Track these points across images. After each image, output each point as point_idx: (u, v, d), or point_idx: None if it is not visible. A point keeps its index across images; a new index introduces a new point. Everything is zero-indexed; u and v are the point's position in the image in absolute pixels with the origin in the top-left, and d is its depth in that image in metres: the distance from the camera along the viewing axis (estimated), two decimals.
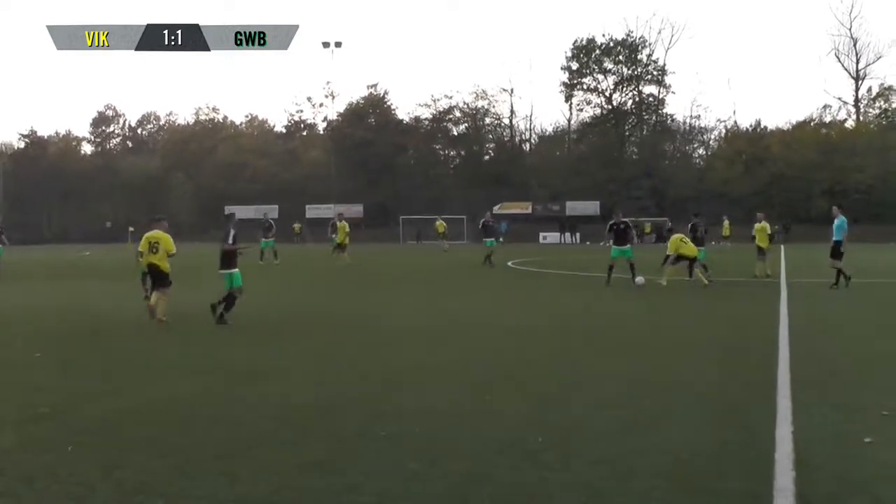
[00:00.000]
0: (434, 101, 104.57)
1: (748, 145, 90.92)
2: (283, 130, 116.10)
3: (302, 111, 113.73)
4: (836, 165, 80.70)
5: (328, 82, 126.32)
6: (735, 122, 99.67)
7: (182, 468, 6.81)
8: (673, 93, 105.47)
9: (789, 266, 33.17)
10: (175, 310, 17.23)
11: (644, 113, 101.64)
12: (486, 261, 36.30)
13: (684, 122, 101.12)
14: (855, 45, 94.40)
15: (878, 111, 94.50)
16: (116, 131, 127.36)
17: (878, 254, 44.29)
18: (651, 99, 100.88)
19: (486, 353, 13.09)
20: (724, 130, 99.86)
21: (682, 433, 7.83)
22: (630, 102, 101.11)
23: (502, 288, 26.80)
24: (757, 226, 28.55)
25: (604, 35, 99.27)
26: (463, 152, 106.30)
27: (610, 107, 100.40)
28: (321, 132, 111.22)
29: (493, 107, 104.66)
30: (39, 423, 8.46)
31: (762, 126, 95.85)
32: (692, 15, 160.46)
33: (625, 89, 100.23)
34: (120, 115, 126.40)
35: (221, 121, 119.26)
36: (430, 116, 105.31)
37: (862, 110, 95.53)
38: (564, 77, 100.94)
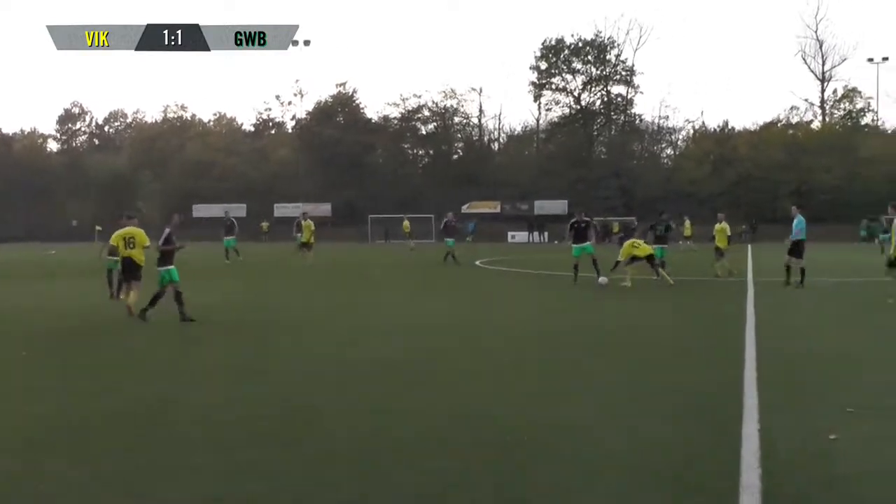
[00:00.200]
0: (403, 100, 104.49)
1: (716, 146, 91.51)
2: (252, 129, 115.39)
3: (270, 109, 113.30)
4: (803, 166, 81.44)
5: (297, 81, 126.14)
6: (703, 122, 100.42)
7: (159, 465, 6.79)
8: (641, 93, 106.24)
9: (756, 265, 33.34)
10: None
11: (612, 113, 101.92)
12: (448, 257, 36.61)
13: (652, 123, 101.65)
14: (821, 47, 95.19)
15: (843, 112, 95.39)
16: (83, 129, 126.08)
17: (843, 253, 44.60)
18: (619, 99, 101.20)
19: (455, 352, 13.12)
20: (691, 131, 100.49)
21: (649, 431, 7.90)
22: (598, 102, 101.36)
23: (471, 287, 26.78)
24: (717, 226, 28.69)
25: (573, 35, 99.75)
26: (432, 151, 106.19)
27: (578, 107, 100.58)
28: (290, 131, 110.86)
29: (462, 106, 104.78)
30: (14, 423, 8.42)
31: (730, 127, 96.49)
32: (660, 16, 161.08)
33: (593, 89, 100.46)
34: (86, 113, 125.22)
35: (189, 119, 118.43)
36: (399, 115, 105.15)
37: (828, 111, 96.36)
38: (533, 77, 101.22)
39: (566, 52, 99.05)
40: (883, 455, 7.10)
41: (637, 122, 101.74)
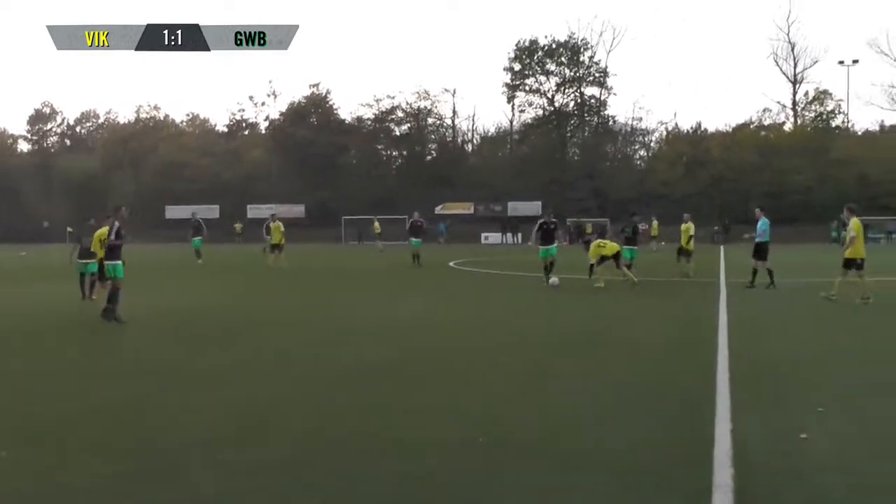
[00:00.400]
0: (376, 101, 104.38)
1: (689, 147, 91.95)
2: (225, 129, 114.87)
3: (244, 110, 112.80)
4: (775, 167, 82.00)
5: (270, 81, 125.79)
6: (676, 124, 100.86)
7: (125, 472, 6.74)
8: (614, 94, 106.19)
9: (728, 266, 33.46)
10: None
11: (586, 114, 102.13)
12: (415, 260, 36.67)
13: (626, 124, 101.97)
14: (792, 49, 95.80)
15: (814, 114, 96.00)
16: (54, 129, 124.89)
17: (814, 254, 44.85)
18: (593, 100, 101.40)
19: (427, 351, 13.16)
20: (664, 132, 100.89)
21: (623, 431, 7.96)
22: (572, 104, 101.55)
23: (444, 289, 26.78)
24: (682, 226, 28.78)
25: (546, 37, 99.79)
26: (405, 152, 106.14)
27: (552, 108, 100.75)
28: (263, 131, 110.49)
29: (436, 107, 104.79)
30: None
31: (702, 128, 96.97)
32: (633, 18, 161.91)
33: (567, 91, 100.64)
34: (58, 113, 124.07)
35: (162, 119, 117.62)
36: (373, 116, 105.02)
37: (799, 113, 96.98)
38: (507, 78, 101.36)
39: (540, 53, 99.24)
40: (852, 453, 7.18)
41: (610, 123, 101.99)
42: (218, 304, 20.94)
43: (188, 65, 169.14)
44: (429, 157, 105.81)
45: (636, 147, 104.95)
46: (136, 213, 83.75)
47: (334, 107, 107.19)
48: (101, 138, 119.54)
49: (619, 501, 6.12)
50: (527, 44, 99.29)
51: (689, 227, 28.60)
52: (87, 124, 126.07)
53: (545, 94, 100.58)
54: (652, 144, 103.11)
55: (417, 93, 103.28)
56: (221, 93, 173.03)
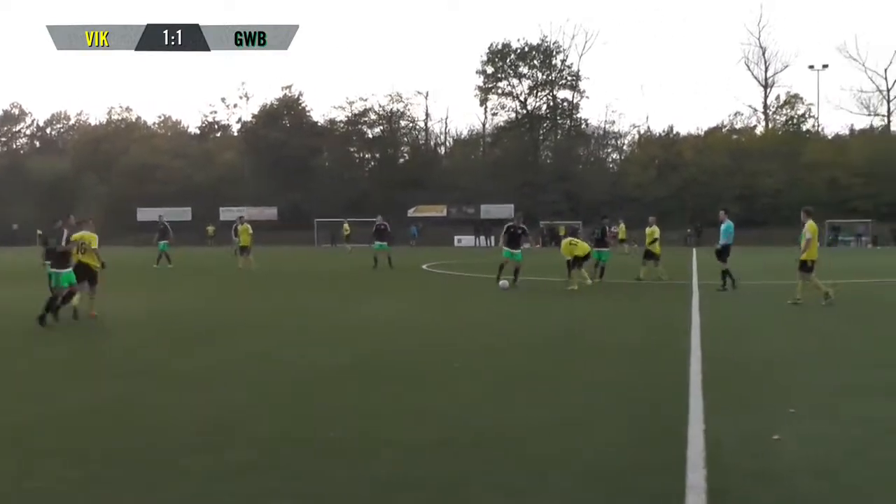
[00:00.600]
0: (349, 103, 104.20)
1: (661, 150, 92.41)
2: (197, 132, 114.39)
3: (216, 112, 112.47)
4: (746, 170, 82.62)
5: (242, 83, 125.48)
6: (648, 127, 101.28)
7: (93, 477, 6.68)
8: (587, 98, 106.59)
9: (700, 268, 33.59)
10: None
11: (558, 117, 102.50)
12: (384, 261, 36.90)
13: (598, 127, 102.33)
14: (764, 53, 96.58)
15: (785, 118, 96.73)
16: (24, 131, 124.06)
17: (785, 257, 45.03)
18: (565, 104, 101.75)
19: (403, 353, 13.10)
20: (637, 136, 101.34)
21: (597, 433, 7.97)
22: (544, 107, 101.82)
23: (417, 291, 26.77)
24: (647, 230, 28.88)
25: (519, 40, 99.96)
26: (378, 155, 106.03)
27: (525, 111, 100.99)
28: (235, 134, 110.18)
29: (409, 110, 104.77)
30: None
31: (674, 132, 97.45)
32: (605, 22, 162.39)
33: (539, 94, 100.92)
34: (27, 114, 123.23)
35: (134, 121, 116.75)
36: (345, 119, 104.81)
37: (770, 117, 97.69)
38: (479, 81, 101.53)
39: (512, 56, 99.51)
40: (823, 454, 7.20)
41: (583, 126, 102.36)
42: (190, 307, 20.87)
43: (160, 66, 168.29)
44: (402, 160, 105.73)
45: (609, 150, 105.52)
46: (108, 215, 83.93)
47: (307, 109, 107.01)
48: (71, 140, 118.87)
49: (592, 502, 6.11)
50: (499, 47, 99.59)
51: (653, 231, 28.68)
52: (58, 126, 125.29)
53: (518, 97, 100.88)
54: (624, 148, 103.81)
55: (390, 95, 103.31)
56: (193, 94, 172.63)
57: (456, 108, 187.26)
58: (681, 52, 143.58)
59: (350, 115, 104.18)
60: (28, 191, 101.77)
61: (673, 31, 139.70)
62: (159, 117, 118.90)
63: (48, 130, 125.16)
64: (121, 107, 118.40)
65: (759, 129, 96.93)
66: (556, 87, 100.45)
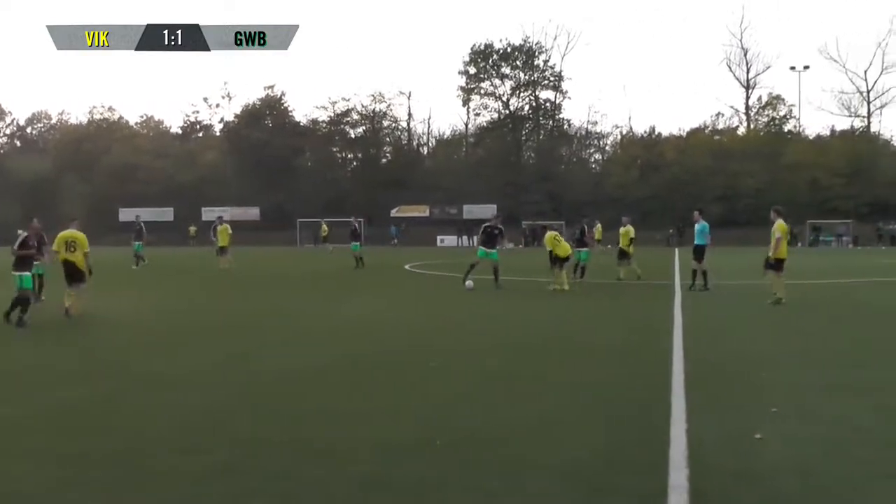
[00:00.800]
0: (332, 103, 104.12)
1: (643, 151, 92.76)
2: (179, 131, 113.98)
3: (198, 112, 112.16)
4: (728, 171, 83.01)
5: (225, 83, 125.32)
6: (630, 128, 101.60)
7: (70, 479, 6.61)
8: (569, 98, 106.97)
9: (683, 269, 33.67)
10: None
11: (541, 118, 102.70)
12: (359, 262, 37.39)
13: (581, 128, 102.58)
14: (745, 55, 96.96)
15: (766, 119, 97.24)
16: (4, 130, 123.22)
17: (760, 256, 45.20)
18: (548, 104, 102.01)
19: (381, 354, 13.05)
20: (619, 136, 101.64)
21: (579, 433, 7.94)
22: (527, 107, 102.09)
23: (399, 291, 26.72)
24: (622, 230, 28.91)
25: (501, 40, 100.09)
26: (360, 155, 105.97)
27: (507, 111, 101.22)
28: (217, 133, 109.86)
29: (391, 110, 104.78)
30: None
31: (657, 132, 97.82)
32: (588, 23, 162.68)
33: (522, 94, 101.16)
34: (7, 114, 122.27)
35: (116, 120, 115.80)
36: (328, 119, 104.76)
37: (752, 118, 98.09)
38: (462, 81, 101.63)
39: (495, 56, 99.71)
40: (805, 453, 7.19)
41: (565, 127, 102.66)
42: (170, 308, 20.76)
43: (143, 65, 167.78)
44: (384, 160, 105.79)
45: (591, 150, 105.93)
46: (90, 215, 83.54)
47: (289, 109, 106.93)
48: (53, 139, 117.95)
49: (572, 503, 6.10)
50: (482, 47, 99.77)
51: (628, 231, 28.73)
52: (39, 125, 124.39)
53: (500, 98, 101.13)
54: (607, 148, 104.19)
55: (373, 95, 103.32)
56: (175, 94, 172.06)
57: (438, 109, 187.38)
58: (663, 52, 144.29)
59: (332, 115, 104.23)
60: (8, 190, 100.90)
61: (655, 32, 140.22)
62: (141, 117, 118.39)
63: (29, 130, 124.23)
64: (103, 106, 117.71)
65: (741, 130, 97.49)
66: (539, 88, 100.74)
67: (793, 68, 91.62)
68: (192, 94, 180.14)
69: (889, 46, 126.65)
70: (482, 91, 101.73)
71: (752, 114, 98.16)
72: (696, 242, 24.59)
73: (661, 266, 34.76)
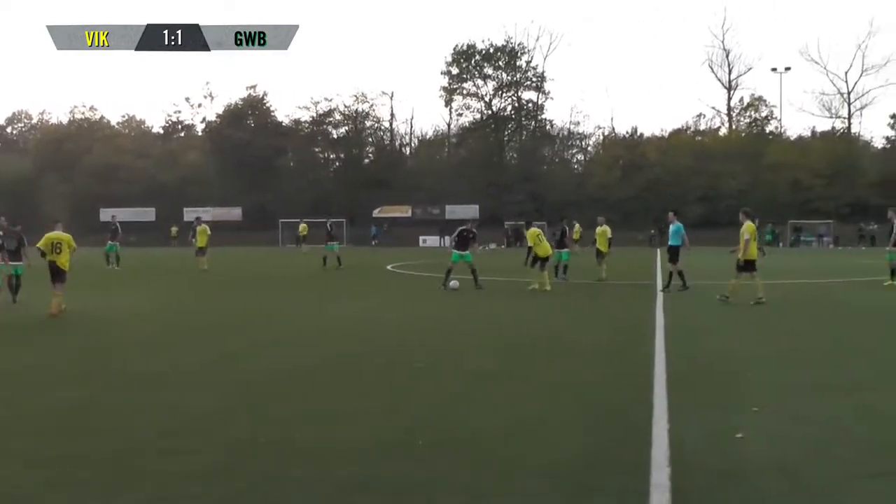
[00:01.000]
0: (314, 103, 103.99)
1: (625, 151, 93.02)
2: (161, 131, 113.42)
3: (180, 112, 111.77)
4: (710, 171, 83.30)
5: (207, 83, 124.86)
6: (613, 128, 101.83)
7: (57, 480, 6.60)
8: (552, 99, 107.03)
9: (664, 269, 33.74)
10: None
11: (523, 118, 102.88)
12: (331, 262, 37.74)
13: (563, 128, 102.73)
14: (727, 56, 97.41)
15: (748, 120, 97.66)
16: None
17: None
18: (530, 105, 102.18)
19: (365, 354, 13.06)
20: (602, 137, 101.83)
21: (561, 433, 7.98)
22: (509, 108, 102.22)
23: (382, 292, 26.72)
24: (598, 230, 28.96)
25: (483, 41, 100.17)
26: (343, 155, 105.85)
27: (490, 112, 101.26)
28: (199, 133, 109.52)
29: (374, 110, 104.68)
30: None
31: (639, 133, 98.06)
32: (570, 24, 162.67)
33: (504, 95, 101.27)
34: None
35: (97, 120, 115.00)
36: (310, 119, 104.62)
37: (734, 119, 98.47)
38: (444, 82, 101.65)
39: (477, 57, 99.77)
40: (785, 452, 7.24)
41: (548, 127, 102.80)
42: (154, 309, 20.68)
43: (125, 65, 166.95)
44: (367, 160, 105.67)
45: (573, 151, 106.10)
46: (71, 215, 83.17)
47: (271, 109, 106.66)
48: (33, 139, 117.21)
49: (556, 503, 6.12)
50: (464, 48, 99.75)
51: (604, 231, 28.79)
52: (19, 125, 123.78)
53: (483, 98, 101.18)
54: (589, 149, 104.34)
55: (355, 95, 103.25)
56: (157, 94, 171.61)
57: (421, 109, 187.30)
58: (645, 53, 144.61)
59: (315, 115, 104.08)
60: None
61: (638, 33, 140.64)
62: (123, 117, 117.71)
63: (9, 130, 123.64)
64: (84, 106, 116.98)
65: (723, 131, 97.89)
66: (521, 89, 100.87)
67: (774, 70, 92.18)
68: (173, 94, 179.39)
69: (869, 48, 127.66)
70: (465, 91, 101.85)
71: (733, 115, 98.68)
72: (670, 243, 24.74)
73: (642, 266, 34.83)
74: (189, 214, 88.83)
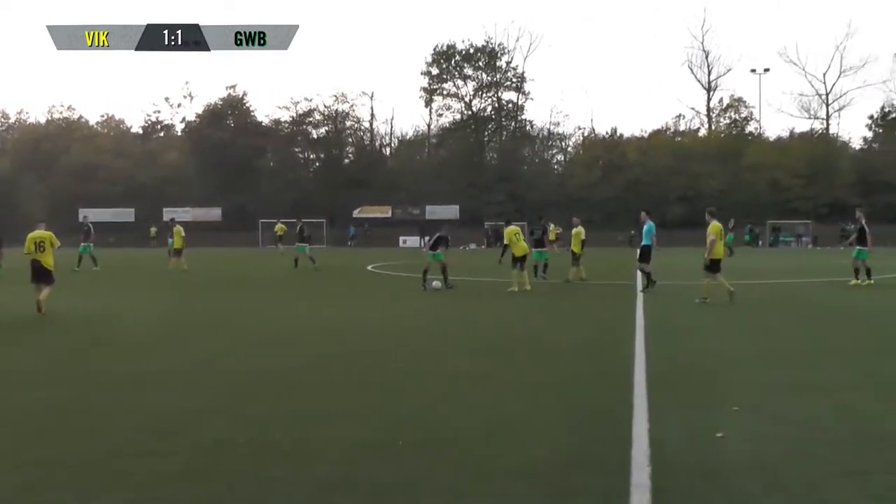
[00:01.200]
0: (294, 103, 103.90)
1: (605, 152, 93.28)
2: (140, 131, 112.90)
3: (159, 112, 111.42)
4: (690, 172, 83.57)
5: (187, 83, 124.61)
6: (592, 129, 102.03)
7: (33, 483, 6.56)
8: (532, 99, 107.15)
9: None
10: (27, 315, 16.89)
11: (503, 119, 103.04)
12: (304, 262, 38.10)
13: (543, 129, 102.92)
14: (707, 57, 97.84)
15: (728, 121, 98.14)
16: None
17: (727, 259, 45.55)
18: (510, 105, 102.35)
19: (346, 355, 13.04)
20: (582, 137, 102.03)
21: (542, 433, 7.96)
22: (489, 108, 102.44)
23: (362, 292, 26.72)
24: (573, 230, 29.02)
25: (463, 41, 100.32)
26: (323, 155, 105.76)
27: (470, 112, 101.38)
28: (179, 133, 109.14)
29: (354, 110, 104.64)
30: None
31: (618, 133, 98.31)
32: (550, 24, 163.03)
33: (484, 95, 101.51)
34: None
35: (76, 120, 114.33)
36: (290, 119, 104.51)
37: (713, 119, 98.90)
38: (425, 82, 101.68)
39: (457, 57, 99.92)
40: (765, 451, 7.26)
41: (528, 128, 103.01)
42: (137, 309, 20.58)
43: (103, 65, 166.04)
44: (347, 160, 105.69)
45: (553, 151, 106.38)
46: (50, 215, 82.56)
47: (251, 109, 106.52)
48: (11, 139, 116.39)
49: (536, 503, 6.12)
50: (444, 48, 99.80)
51: (579, 232, 28.84)
52: None
53: (463, 99, 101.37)
54: (569, 149, 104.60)
55: (335, 95, 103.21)
56: (137, 93, 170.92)
57: (401, 109, 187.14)
58: (625, 54, 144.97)
59: (295, 115, 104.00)
60: None
61: (617, 34, 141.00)
62: (102, 116, 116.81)
63: None
64: (62, 105, 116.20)
65: (703, 132, 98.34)
66: (501, 89, 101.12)
67: (753, 71, 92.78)
68: (153, 94, 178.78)
69: (847, 50, 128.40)
70: (445, 92, 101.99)
71: (713, 115, 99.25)
72: (643, 243, 24.86)
73: (623, 266, 34.89)
74: (169, 215, 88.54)
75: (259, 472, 6.71)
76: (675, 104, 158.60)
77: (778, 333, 15.63)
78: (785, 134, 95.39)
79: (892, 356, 12.90)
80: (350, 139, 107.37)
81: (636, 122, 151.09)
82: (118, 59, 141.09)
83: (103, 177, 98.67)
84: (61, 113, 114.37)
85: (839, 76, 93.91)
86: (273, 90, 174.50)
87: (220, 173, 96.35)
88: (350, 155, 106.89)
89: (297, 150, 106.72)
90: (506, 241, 24.91)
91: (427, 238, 26.31)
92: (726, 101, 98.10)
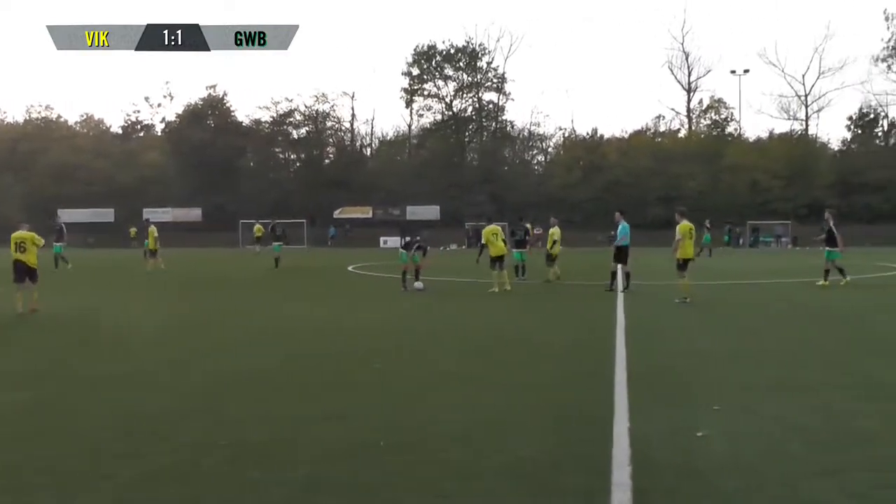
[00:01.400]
0: (274, 103, 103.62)
1: (586, 152, 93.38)
2: (120, 131, 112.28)
3: (139, 111, 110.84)
4: (670, 172, 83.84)
5: (167, 82, 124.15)
6: (573, 129, 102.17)
7: (4, 487, 6.51)
8: (512, 100, 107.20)
9: (621, 269, 33.87)
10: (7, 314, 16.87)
11: (484, 119, 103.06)
12: (277, 263, 38.56)
13: (524, 129, 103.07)
14: (687, 58, 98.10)
15: (708, 122, 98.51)
16: None
17: (704, 258, 45.72)
18: (491, 106, 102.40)
19: (321, 356, 12.99)
20: (562, 138, 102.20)
21: (522, 433, 7.96)
22: (470, 109, 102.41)
23: (343, 293, 26.70)
24: (551, 230, 29.07)
25: (444, 42, 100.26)
26: (303, 155, 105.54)
27: (450, 113, 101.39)
28: (159, 133, 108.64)
29: (334, 110, 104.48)
30: None
31: (599, 134, 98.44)
32: (530, 25, 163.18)
33: (465, 96, 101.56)
34: None
35: (55, 120, 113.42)
36: (271, 119, 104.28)
37: (693, 120, 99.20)
38: (405, 82, 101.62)
39: (438, 58, 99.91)
40: (745, 450, 7.29)
41: (508, 128, 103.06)
42: (114, 310, 20.54)
43: (82, 64, 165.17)
44: (327, 161, 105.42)
45: (534, 152, 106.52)
46: (28, 216, 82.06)
47: (231, 109, 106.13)
48: None
49: (518, 502, 6.12)
50: (425, 48, 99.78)
51: (554, 232, 28.87)
52: None
53: (443, 99, 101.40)
54: (549, 150, 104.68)
55: (316, 96, 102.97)
56: (116, 93, 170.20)
57: (382, 109, 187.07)
58: (605, 55, 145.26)
59: (275, 115, 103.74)
60: None
61: (598, 35, 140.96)
62: (81, 116, 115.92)
63: None
64: (40, 105, 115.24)
65: (683, 133, 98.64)
66: (482, 90, 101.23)
67: (733, 72, 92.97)
68: (132, 93, 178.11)
69: (826, 52, 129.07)
70: (425, 92, 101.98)
71: (693, 116, 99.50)
72: (616, 244, 24.94)
73: (602, 267, 34.92)
74: (148, 215, 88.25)
75: (238, 473, 6.69)
76: (655, 105, 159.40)
77: (758, 333, 15.68)
78: (765, 135, 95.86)
79: (872, 356, 12.96)
80: (331, 139, 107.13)
81: (617, 123, 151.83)
82: (98, 58, 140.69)
83: (83, 177, 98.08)
84: (39, 113, 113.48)
85: (818, 77, 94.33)
86: (253, 90, 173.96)
87: (200, 173, 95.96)
88: (331, 155, 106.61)
89: (277, 150, 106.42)
90: (483, 241, 24.93)
91: (407, 238, 26.09)
92: (706, 102, 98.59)
